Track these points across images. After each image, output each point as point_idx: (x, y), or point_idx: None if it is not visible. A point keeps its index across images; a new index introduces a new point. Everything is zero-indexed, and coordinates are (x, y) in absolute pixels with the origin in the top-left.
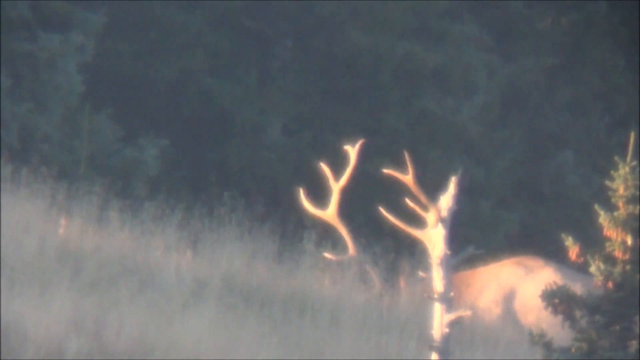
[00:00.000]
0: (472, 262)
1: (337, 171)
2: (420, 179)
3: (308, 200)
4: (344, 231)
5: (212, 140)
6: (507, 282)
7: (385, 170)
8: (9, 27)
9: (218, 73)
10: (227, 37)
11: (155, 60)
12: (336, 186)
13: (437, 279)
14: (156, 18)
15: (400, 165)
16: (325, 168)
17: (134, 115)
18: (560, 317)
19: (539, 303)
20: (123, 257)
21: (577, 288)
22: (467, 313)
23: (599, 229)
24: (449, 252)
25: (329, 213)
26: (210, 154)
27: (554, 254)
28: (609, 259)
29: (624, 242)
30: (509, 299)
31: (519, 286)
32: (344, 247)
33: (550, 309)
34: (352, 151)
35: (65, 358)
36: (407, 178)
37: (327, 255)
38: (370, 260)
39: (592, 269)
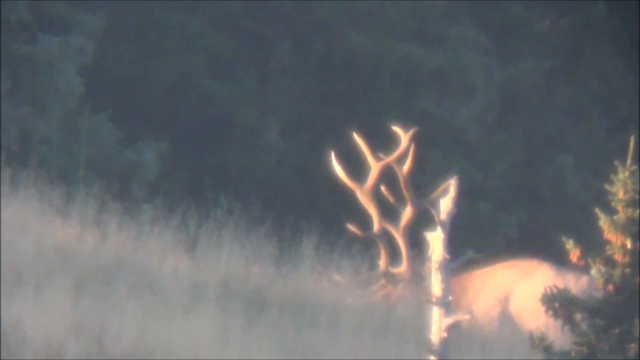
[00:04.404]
0: (470, 265)
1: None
2: (418, 181)
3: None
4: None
5: (211, 143)
6: (502, 284)
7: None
8: (9, 29)
9: (217, 75)
10: (227, 39)
11: (155, 62)
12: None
13: (436, 283)
14: (155, 20)
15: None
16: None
17: (133, 118)
18: (557, 319)
19: (535, 305)
20: (121, 259)
21: (571, 286)
22: (466, 317)
23: (599, 232)
24: (447, 257)
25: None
26: (208, 156)
27: (553, 257)
28: (609, 262)
29: (623, 246)
30: (504, 301)
31: (514, 288)
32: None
33: (550, 312)
34: (402, 135)
35: None
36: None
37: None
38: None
39: (593, 271)
